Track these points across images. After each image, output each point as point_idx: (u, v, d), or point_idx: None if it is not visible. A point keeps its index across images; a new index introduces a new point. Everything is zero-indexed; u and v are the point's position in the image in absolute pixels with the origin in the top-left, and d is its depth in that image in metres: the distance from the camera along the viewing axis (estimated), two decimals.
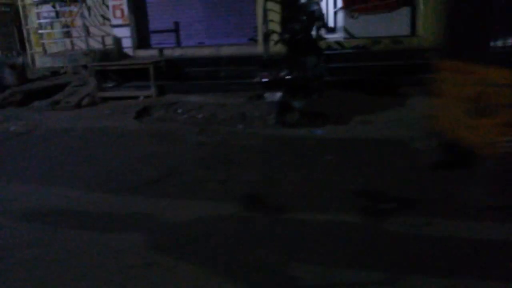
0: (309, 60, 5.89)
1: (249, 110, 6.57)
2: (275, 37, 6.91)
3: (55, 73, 11.99)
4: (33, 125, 6.74)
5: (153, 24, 9.19)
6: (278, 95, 5.44)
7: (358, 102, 6.79)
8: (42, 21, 13.31)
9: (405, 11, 8.79)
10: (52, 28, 13.37)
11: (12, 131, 6.57)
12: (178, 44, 9.14)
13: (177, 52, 8.78)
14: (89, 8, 9.47)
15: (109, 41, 8.69)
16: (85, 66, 8.76)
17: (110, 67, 7.97)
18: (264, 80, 5.46)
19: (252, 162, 4.40)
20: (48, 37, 13.75)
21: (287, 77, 5.44)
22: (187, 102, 7.28)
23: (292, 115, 5.61)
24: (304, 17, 6.20)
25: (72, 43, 8.92)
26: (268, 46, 7.08)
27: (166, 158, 4.66)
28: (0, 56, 12.57)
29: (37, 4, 13.44)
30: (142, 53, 9.00)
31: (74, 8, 12.13)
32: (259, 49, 8.68)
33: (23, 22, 14.16)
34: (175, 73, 8.12)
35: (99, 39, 8.84)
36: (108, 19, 9.00)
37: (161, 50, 8.91)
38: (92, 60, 7.89)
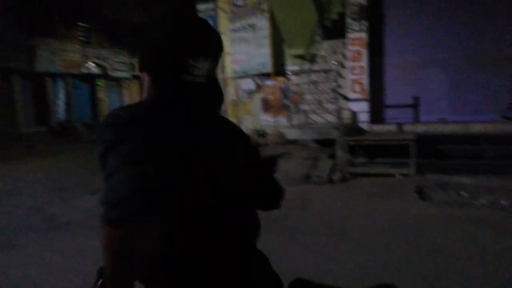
0: None
1: None
2: None
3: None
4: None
5: (390, 98, 8.92)
6: None
7: None
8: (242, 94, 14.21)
9: None
10: (249, 101, 14.13)
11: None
12: (416, 119, 8.69)
13: (419, 128, 8.29)
14: (315, 83, 9.59)
15: (345, 115, 8.55)
16: (318, 140, 8.70)
17: (364, 142, 7.70)
18: None
19: None
20: (243, 110, 14.52)
21: None
22: (462, 184, 6.61)
23: None
24: None
25: (306, 117, 8.96)
26: None
27: None
28: None
29: (236, 78, 14.40)
30: (377, 128, 8.69)
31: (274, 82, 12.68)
32: None
33: None
34: (425, 151, 7.57)
35: (334, 113, 8.76)
36: (339, 93, 8.92)
37: (400, 126, 8.52)
38: (342, 134, 7.70)
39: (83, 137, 18.53)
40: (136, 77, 24.49)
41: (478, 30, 8.28)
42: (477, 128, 8.04)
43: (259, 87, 13.81)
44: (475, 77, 8.35)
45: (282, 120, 12.68)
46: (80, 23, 20.13)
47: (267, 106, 13.62)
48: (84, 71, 20.09)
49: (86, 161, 11.81)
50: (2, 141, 14.82)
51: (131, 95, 24.37)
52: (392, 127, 8.67)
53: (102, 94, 21.80)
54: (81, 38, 20.24)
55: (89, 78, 20.76)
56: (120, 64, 22.69)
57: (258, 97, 13.91)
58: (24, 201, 7.02)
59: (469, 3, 8.32)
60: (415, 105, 8.72)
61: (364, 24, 8.63)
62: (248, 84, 14.05)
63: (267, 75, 13.15)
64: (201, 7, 15.84)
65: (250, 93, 14.09)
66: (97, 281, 1.11)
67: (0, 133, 15.11)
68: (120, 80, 23.15)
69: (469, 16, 8.31)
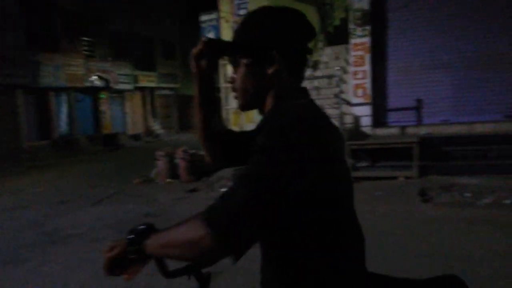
0: None
1: None
2: None
3: None
4: None
5: (393, 102, 8.85)
6: None
7: None
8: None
9: None
10: None
11: None
12: (419, 122, 8.61)
13: (423, 131, 8.22)
14: (317, 89, 9.55)
15: (348, 120, 8.50)
16: None
17: (367, 146, 7.63)
18: None
19: None
20: (246, 117, 14.50)
21: None
22: (466, 185, 6.52)
23: None
24: None
25: None
26: None
27: None
28: None
29: None
30: (380, 131, 8.62)
31: None
32: None
33: (223, 103, 15.20)
34: (429, 153, 7.49)
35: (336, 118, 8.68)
36: (342, 98, 8.84)
37: (402, 129, 8.45)
38: (344, 139, 7.63)
39: (86, 149, 18.61)
40: (139, 89, 24.63)
41: (479, 32, 8.21)
42: (480, 128, 7.96)
43: None
44: (477, 78, 8.27)
45: None
46: (84, 37, 20.31)
47: None
48: (87, 84, 20.22)
49: (88, 173, 11.83)
50: (5, 155, 14.89)
51: (133, 107, 24.48)
52: (395, 130, 8.59)
53: (105, 107, 21.92)
54: (84, 52, 20.40)
55: (92, 91, 20.90)
56: (123, 77, 22.84)
57: None
58: (26, 215, 6.99)
59: (470, 6, 8.26)
60: (418, 108, 8.65)
61: (367, 29, 8.59)
62: None
63: None
64: (203, 17, 15.92)
65: None
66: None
67: (4, 148, 15.18)
68: (123, 92, 23.28)
69: (471, 19, 8.25)
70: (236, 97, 1.23)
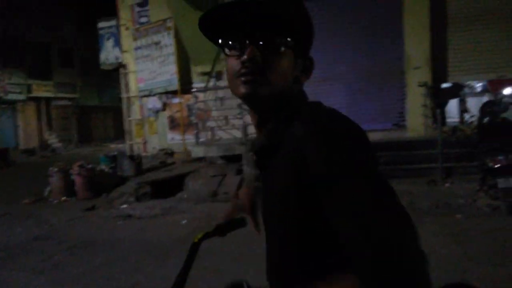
0: None
1: (444, 196, 6.16)
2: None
3: (162, 163, 12.04)
4: None
5: None
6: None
7: None
8: (149, 112, 13.72)
9: None
10: (155, 119, 13.71)
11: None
12: None
13: None
14: (222, 98, 9.58)
15: (251, 130, 8.61)
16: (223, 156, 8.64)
17: None
18: (497, 165, 5.07)
19: None
20: (149, 129, 14.06)
21: None
22: None
23: None
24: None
25: (213, 134, 8.89)
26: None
27: None
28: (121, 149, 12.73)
29: (142, 97, 13.90)
30: None
31: (181, 100, 12.51)
32: (408, 134, 8.47)
33: (125, 114, 14.59)
34: None
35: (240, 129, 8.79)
36: (244, 108, 8.97)
37: None
38: (247, 149, 7.70)
39: None
40: (33, 99, 22.86)
41: (372, 46, 8.82)
42: (373, 136, 8.34)
43: (165, 105, 13.49)
44: (370, 90, 8.86)
45: (190, 137, 12.46)
46: None
47: (174, 124, 13.33)
48: None
49: None
50: None
51: (26, 119, 22.64)
52: None
53: None
54: None
55: None
56: (14, 86, 21.06)
57: (164, 115, 13.57)
58: None
59: (364, 22, 8.84)
60: None
61: None
62: (154, 102, 13.67)
63: (173, 93, 12.89)
64: (102, 24, 15.21)
65: (156, 111, 13.70)
66: None
67: None
68: (14, 103, 21.45)
69: (365, 33, 8.83)
70: (255, 81, 0.95)
